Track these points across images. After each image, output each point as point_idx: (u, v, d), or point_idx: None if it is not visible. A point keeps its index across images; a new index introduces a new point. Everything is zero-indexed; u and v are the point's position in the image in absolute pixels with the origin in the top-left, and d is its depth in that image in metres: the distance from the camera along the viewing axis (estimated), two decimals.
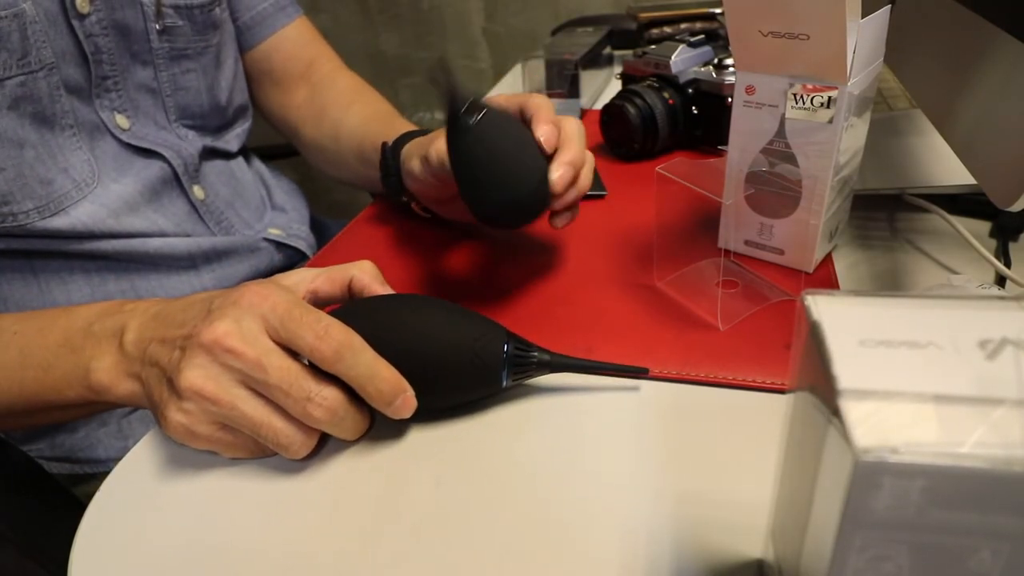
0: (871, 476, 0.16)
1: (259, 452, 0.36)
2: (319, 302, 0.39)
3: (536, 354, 0.37)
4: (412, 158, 0.51)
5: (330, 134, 0.70)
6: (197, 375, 0.33)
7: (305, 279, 0.39)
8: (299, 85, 0.75)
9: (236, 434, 0.35)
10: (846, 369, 0.18)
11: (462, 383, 0.36)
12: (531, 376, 0.38)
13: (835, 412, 0.17)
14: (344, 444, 0.37)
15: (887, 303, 0.21)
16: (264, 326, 0.34)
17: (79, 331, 0.40)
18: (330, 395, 0.33)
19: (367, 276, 0.39)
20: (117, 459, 0.38)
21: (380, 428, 0.38)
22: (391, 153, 0.56)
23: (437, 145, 0.46)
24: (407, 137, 0.56)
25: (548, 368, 0.37)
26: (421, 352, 0.35)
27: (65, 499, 0.52)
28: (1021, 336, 0.19)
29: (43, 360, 0.40)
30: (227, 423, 0.34)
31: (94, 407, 0.42)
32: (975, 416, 0.17)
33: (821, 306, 0.21)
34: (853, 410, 0.17)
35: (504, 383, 0.36)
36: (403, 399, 0.34)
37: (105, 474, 0.37)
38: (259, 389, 0.33)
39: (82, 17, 0.52)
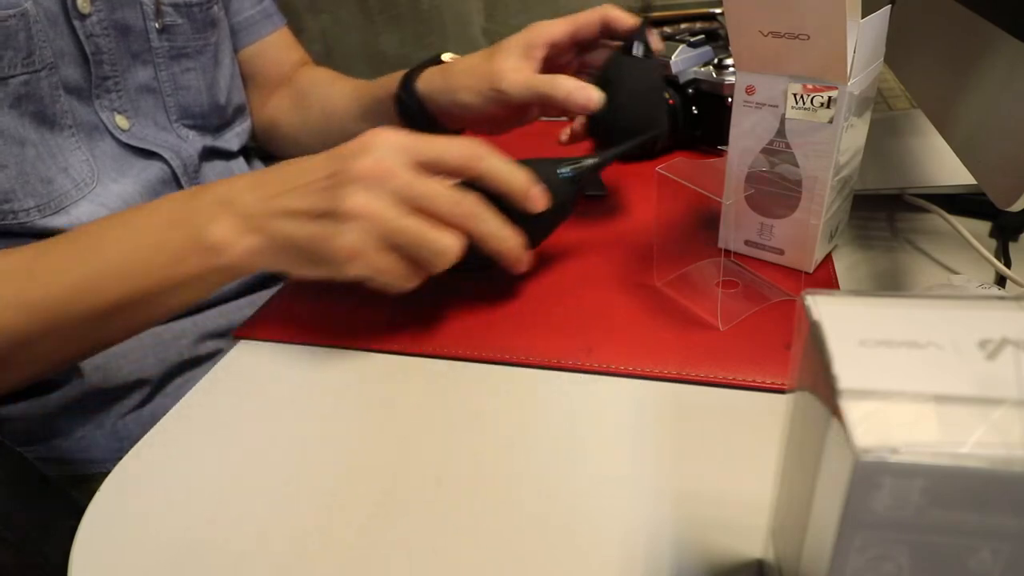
0: (871, 476, 0.16)
1: (412, 278, 0.40)
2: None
3: (585, 163, 0.45)
4: (460, 91, 0.55)
5: (321, 110, 0.72)
6: (360, 198, 0.37)
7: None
8: (279, 86, 0.77)
9: (397, 258, 0.38)
10: (846, 369, 0.18)
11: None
12: (591, 179, 0.46)
13: (835, 412, 0.17)
14: (344, 443, 0.37)
15: (887, 303, 0.21)
16: (408, 158, 0.38)
17: (178, 207, 0.42)
18: (472, 199, 0.39)
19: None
20: (113, 461, 0.38)
21: (380, 428, 0.38)
22: (405, 92, 0.59)
23: (506, 79, 0.52)
24: (413, 74, 0.60)
25: (599, 166, 0.45)
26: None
27: (63, 500, 0.52)
28: (1021, 336, 0.19)
29: (146, 241, 0.42)
30: (393, 241, 0.38)
31: (212, 278, 0.42)
32: (975, 416, 0.17)
33: (821, 306, 0.21)
34: (853, 410, 0.17)
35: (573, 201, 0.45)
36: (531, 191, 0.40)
37: (101, 475, 0.37)
38: (418, 208, 0.38)
39: (83, 17, 0.52)
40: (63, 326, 0.42)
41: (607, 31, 0.56)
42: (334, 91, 0.71)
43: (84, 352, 0.47)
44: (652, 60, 0.53)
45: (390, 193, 0.37)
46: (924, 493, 0.16)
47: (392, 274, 0.39)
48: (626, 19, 0.55)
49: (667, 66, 0.59)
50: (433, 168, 0.39)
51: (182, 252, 0.41)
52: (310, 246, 0.38)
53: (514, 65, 0.53)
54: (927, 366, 0.18)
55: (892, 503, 0.17)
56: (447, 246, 0.38)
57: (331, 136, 0.71)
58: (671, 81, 0.64)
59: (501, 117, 0.56)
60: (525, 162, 0.43)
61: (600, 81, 0.51)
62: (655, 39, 0.54)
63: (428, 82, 0.58)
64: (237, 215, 0.40)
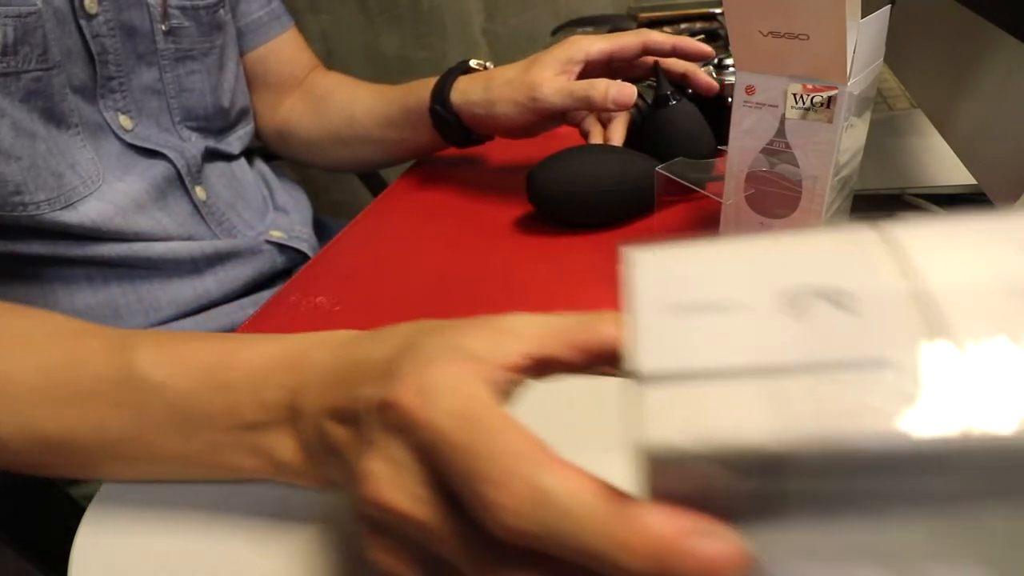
0: (666, 463, 0.16)
1: None
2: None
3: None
4: (499, 103, 0.58)
5: (341, 116, 0.72)
6: (369, 538, 0.23)
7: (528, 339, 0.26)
8: (291, 88, 0.77)
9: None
10: (646, 346, 0.17)
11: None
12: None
13: (634, 395, 0.16)
14: None
15: (705, 256, 0.20)
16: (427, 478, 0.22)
17: (254, 405, 0.29)
18: None
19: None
20: None
21: None
22: (441, 105, 0.61)
23: (544, 88, 0.55)
24: (446, 85, 0.61)
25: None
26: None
27: (61, 499, 0.52)
28: (838, 285, 0.18)
29: (209, 437, 0.30)
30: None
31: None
32: (766, 392, 0.16)
33: (637, 265, 0.19)
34: (649, 394, 0.16)
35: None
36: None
37: None
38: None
39: (90, 17, 0.52)
40: (97, 469, 0.34)
41: (646, 54, 0.58)
42: (356, 97, 0.71)
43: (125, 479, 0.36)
44: (690, 103, 0.56)
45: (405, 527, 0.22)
46: (720, 476, 0.16)
47: None
48: (665, 42, 0.57)
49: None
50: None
51: (246, 460, 0.30)
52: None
53: (551, 76, 0.55)
54: (732, 335, 0.17)
55: (694, 487, 0.16)
56: None
57: (352, 142, 0.73)
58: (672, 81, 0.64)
59: (533, 123, 0.58)
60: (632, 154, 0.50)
61: (649, 120, 0.57)
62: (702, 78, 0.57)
63: (464, 94, 0.60)
64: (297, 434, 0.28)
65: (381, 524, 0.23)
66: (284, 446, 0.29)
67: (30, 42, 0.48)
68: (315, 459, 0.27)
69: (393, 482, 0.22)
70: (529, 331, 0.26)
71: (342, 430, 0.25)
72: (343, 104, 0.72)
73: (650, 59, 0.59)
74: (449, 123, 0.62)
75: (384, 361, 0.25)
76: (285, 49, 0.76)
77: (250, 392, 0.29)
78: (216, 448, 0.30)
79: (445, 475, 0.21)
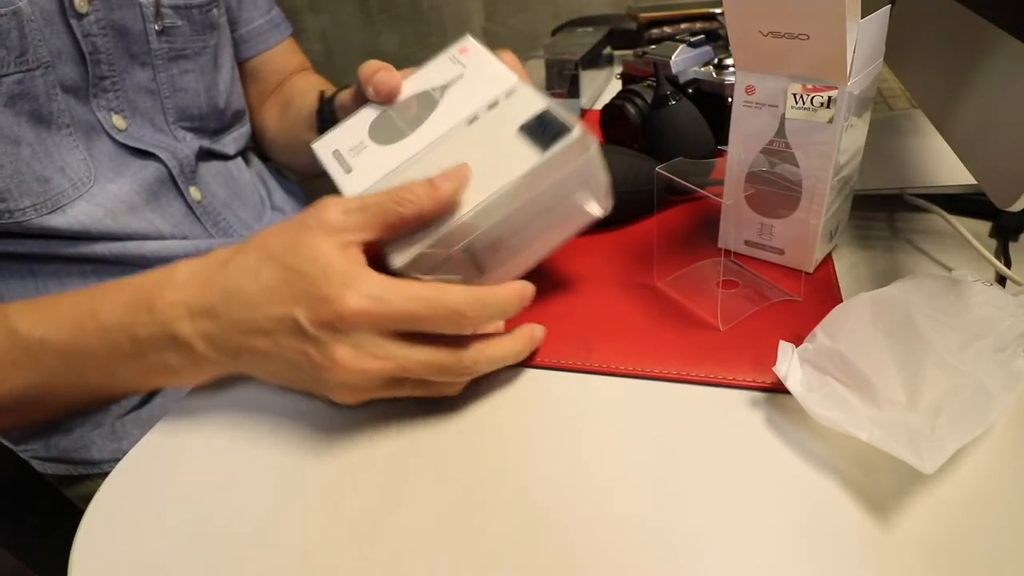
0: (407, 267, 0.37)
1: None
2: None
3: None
4: (345, 93, 0.59)
5: (298, 119, 0.73)
6: (347, 395, 0.36)
7: (349, 229, 0.35)
8: (276, 91, 0.78)
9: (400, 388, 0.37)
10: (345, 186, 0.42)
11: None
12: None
13: None
14: (343, 443, 0.37)
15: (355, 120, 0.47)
16: (387, 336, 0.34)
17: (124, 339, 0.37)
18: (475, 359, 0.36)
19: (424, 201, 0.36)
20: (111, 460, 0.38)
21: (380, 428, 0.37)
22: (327, 101, 0.63)
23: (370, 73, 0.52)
24: (342, 89, 0.62)
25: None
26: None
27: (59, 501, 0.52)
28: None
29: (100, 367, 0.39)
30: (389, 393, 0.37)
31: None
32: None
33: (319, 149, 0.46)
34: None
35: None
36: (526, 300, 0.38)
37: (99, 475, 0.37)
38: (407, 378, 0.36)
39: (80, 16, 0.52)
40: (18, 416, 0.43)
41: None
42: (305, 101, 0.72)
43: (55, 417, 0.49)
44: (689, 104, 0.56)
45: (380, 379, 0.35)
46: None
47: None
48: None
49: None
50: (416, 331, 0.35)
51: (140, 378, 0.40)
52: (302, 383, 0.37)
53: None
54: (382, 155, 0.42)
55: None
56: (447, 393, 0.37)
57: (294, 144, 0.73)
58: (672, 81, 0.64)
59: None
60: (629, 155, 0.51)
61: (649, 120, 0.57)
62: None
63: (342, 92, 0.61)
64: (192, 354, 0.37)
65: (356, 384, 0.35)
66: (171, 360, 0.37)
67: (5, 45, 0.47)
68: (209, 361, 0.37)
69: (360, 356, 0.33)
70: (357, 221, 0.35)
71: (263, 340, 0.35)
72: (300, 107, 0.73)
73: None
74: (323, 113, 0.62)
75: (275, 287, 0.34)
76: (281, 56, 0.77)
77: (122, 332, 0.37)
78: (111, 377, 0.39)
79: (398, 327, 0.34)
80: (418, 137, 0.42)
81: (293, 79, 0.78)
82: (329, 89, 0.69)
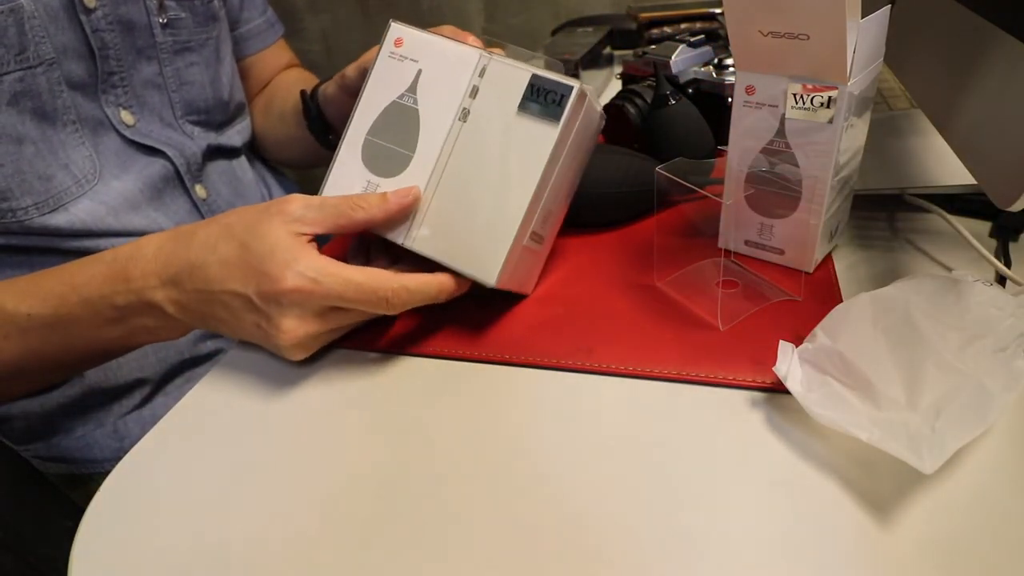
0: None
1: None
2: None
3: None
4: (329, 86, 0.60)
5: (278, 113, 0.74)
6: (299, 353, 0.41)
7: (307, 222, 0.40)
8: (263, 89, 0.80)
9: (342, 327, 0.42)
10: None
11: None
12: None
13: None
14: (343, 444, 0.37)
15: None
16: (325, 309, 0.39)
17: (105, 307, 0.42)
18: (402, 284, 0.40)
19: (376, 214, 0.41)
20: (113, 460, 0.38)
21: (380, 428, 0.38)
22: (311, 97, 0.63)
23: (352, 65, 0.55)
24: (322, 83, 0.63)
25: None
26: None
27: (60, 501, 0.52)
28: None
29: (84, 334, 0.43)
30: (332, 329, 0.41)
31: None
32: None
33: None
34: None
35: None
36: (448, 291, 0.41)
37: (100, 475, 0.37)
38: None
39: (89, 12, 0.52)
40: (14, 385, 0.48)
41: None
42: (290, 96, 0.72)
43: (50, 383, 0.53)
44: (689, 104, 0.56)
45: (323, 332, 0.40)
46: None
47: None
48: None
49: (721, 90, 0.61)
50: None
51: (125, 339, 0.44)
52: (255, 336, 0.41)
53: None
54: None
55: None
56: (382, 313, 0.41)
57: (284, 139, 0.74)
58: (672, 81, 0.64)
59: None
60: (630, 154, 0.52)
61: (649, 120, 0.57)
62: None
63: (327, 83, 0.62)
64: (165, 314, 0.41)
65: (303, 343, 0.40)
66: (149, 323, 0.42)
67: (3, 43, 0.47)
68: (182, 322, 0.42)
69: (303, 324, 0.39)
70: (313, 217, 0.40)
71: (222, 311, 0.40)
72: (281, 101, 0.74)
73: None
74: (310, 110, 0.63)
75: (231, 262, 0.39)
76: (273, 56, 0.78)
77: (102, 301, 0.42)
78: (97, 340, 0.44)
79: (329, 304, 0.39)
80: (424, 153, 0.42)
81: (280, 75, 0.80)
82: (307, 84, 0.69)
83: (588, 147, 0.46)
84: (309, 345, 0.41)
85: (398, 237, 0.43)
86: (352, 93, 0.55)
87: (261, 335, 0.40)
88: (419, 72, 0.43)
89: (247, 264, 0.39)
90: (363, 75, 0.51)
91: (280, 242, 0.38)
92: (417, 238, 0.42)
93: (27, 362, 0.45)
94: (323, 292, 0.38)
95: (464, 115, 0.41)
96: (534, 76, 0.40)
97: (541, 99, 0.40)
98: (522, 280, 0.45)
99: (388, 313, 0.40)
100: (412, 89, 0.43)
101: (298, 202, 0.40)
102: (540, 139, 0.39)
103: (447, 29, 0.48)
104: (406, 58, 0.44)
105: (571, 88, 0.39)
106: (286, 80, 0.78)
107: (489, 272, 0.40)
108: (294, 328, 0.39)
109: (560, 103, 0.39)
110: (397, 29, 0.45)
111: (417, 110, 0.43)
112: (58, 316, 0.43)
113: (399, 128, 0.43)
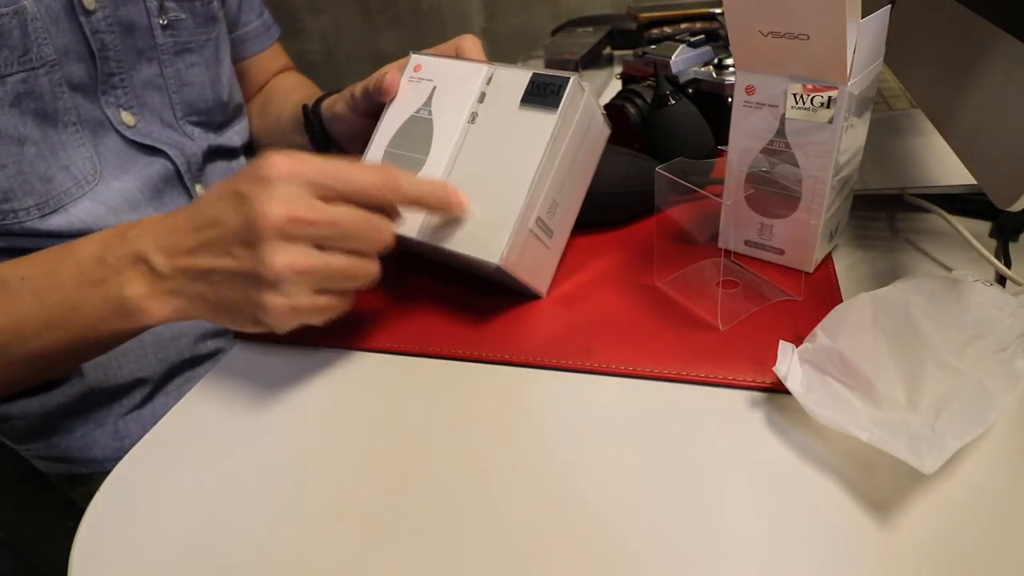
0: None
1: (348, 304, 0.40)
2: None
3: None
4: (337, 103, 0.58)
5: (273, 118, 0.74)
6: (284, 257, 0.35)
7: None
8: (258, 92, 0.80)
9: (329, 295, 0.38)
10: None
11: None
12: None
13: None
14: (343, 444, 0.37)
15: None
16: (315, 192, 0.36)
17: (92, 264, 0.40)
18: (385, 223, 0.39)
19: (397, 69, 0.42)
20: (113, 459, 0.38)
21: (380, 428, 0.38)
22: (312, 111, 0.62)
23: (361, 84, 0.53)
24: (324, 97, 0.63)
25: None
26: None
27: (60, 501, 0.52)
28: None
29: (65, 299, 0.40)
30: (322, 286, 0.37)
31: (137, 332, 0.42)
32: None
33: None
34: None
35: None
36: (450, 193, 0.40)
37: (101, 475, 0.37)
38: (336, 244, 0.37)
39: (89, 13, 0.52)
40: None
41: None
42: (288, 100, 0.72)
43: (30, 380, 0.48)
44: (689, 104, 0.56)
45: (308, 240, 0.36)
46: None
47: (325, 311, 0.38)
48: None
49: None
50: (342, 198, 0.37)
51: (101, 313, 0.39)
52: (241, 308, 0.37)
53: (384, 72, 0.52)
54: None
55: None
56: (371, 271, 0.39)
57: (277, 145, 0.73)
58: (672, 81, 0.64)
59: (358, 123, 0.56)
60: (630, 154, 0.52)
61: (649, 120, 0.57)
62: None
63: (333, 98, 0.61)
64: (152, 276, 0.38)
65: (288, 234, 0.35)
66: (129, 285, 0.38)
67: (7, 44, 0.47)
68: (167, 281, 0.38)
69: (290, 204, 0.35)
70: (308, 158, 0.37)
71: (215, 254, 0.36)
72: (277, 106, 0.74)
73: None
74: (312, 126, 0.62)
75: (221, 190, 0.37)
76: (269, 58, 0.79)
77: (91, 259, 0.40)
78: (72, 310, 0.40)
79: (320, 184, 0.36)
80: (436, 156, 0.44)
81: (276, 79, 0.80)
82: (307, 95, 0.69)
83: (594, 149, 0.47)
84: (304, 299, 0.36)
85: (409, 231, 0.44)
86: (361, 113, 0.54)
87: (244, 254, 0.36)
88: (434, 89, 0.47)
89: (237, 174, 0.37)
90: (370, 98, 0.51)
91: (271, 154, 0.37)
92: (426, 229, 0.43)
93: (4, 337, 0.41)
94: (313, 166, 0.36)
95: (473, 118, 0.44)
96: (535, 74, 0.43)
97: (542, 92, 0.42)
98: (533, 272, 0.45)
99: (388, 194, 0.38)
100: (427, 103, 0.46)
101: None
102: (540, 126, 0.42)
103: (468, 42, 0.48)
104: (423, 79, 0.47)
105: (568, 79, 0.42)
106: (282, 85, 0.78)
107: (493, 251, 0.41)
108: (281, 209, 0.35)
109: (559, 92, 0.42)
110: (416, 59, 0.49)
111: (431, 120, 0.46)
112: (47, 279, 0.40)
113: (415, 138, 0.46)
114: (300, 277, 0.35)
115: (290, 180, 0.35)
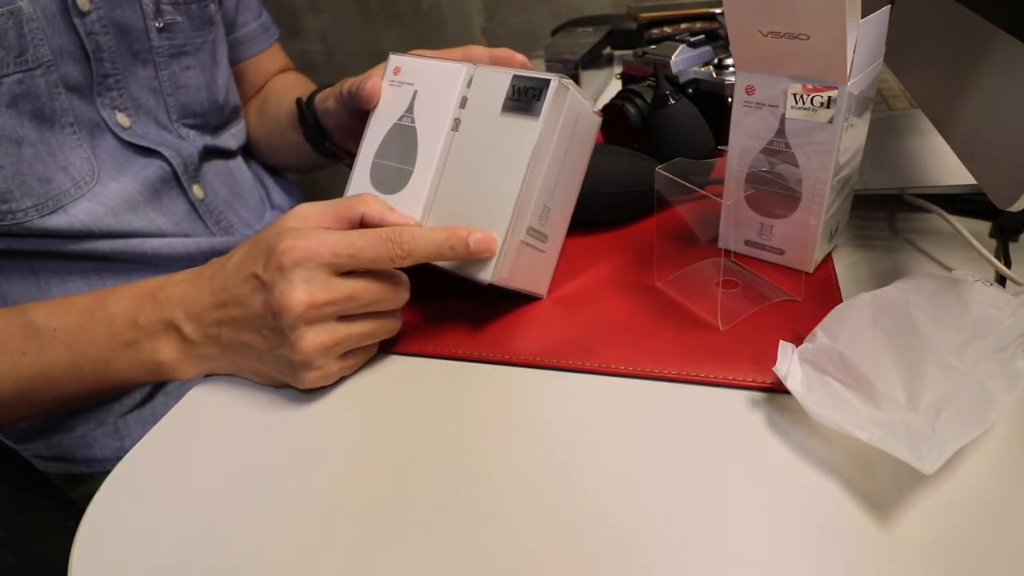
0: None
1: (373, 351, 0.43)
2: None
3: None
4: (327, 99, 0.59)
5: (271, 117, 0.73)
6: (311, 339, 0.37)
7: (309, 217, 0.40)
8: (257, 92, 0.80)
9: (356, 353, 0.41)
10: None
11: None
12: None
13: None
14: (344, 444, 0.37)
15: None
16: (330, 271, 0.38)
17: (125, 325, 0.42)
18: (402, 281, 0.41)
19: (376, 209, 0.41)
20: (113, 459, 0.38)
21: (380, 428, 0.38)
22: (306, 105, 0.62)
23: (350, 81, 0.52)
24: (318, 91, 0.62)
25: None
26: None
27: (60, 501, 0.52)
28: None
29: (99, 356, 0.42)
30: (349, 350, 0.40)
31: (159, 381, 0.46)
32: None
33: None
34: None
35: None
36: (458, 238, 0.40)
37: (101, 474, 0.37)
38: (358, 311, 0.39)
39: (83, 15, 0.52)
40: (15, 409, 0.45)
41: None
42: (286, 98, 0.72)
43: (49, 414, 0.53)
44: (689, 104, 0.56)
45: (331, 317, 0.38)
46: None
47: (355, 366, 0.42)
48: (482, 54, 0.52)
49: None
50: (357, 268, 0.39)
51: (136, 372, 0.43)
52: (274, 376, 0.40)
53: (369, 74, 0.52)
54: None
55: None
56: (394, 328, 0.42)
57: (279, 144, 0.74)
58: (672, 81, 0.64)
59: (352, 120, 0.56)
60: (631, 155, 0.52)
61: (649, 120, 0.56)
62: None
63: (326, 91, 0.61)
64: (184, 343, 0.41)
65: (313, 326, 0.37)
66: (163, 349, 0.42)
67: (3, 45, 0.47)
68: (199, 348, 0.41)
69: (311, 290, 0.37)
70: (314, 214, 0.40)
71: (236, 309, 0.39)
72: (275, 105, 0.74)
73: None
74: (306, 119, 0.62)
75: (243, 258, 0.40)
76: (268, 59, 0.78)
77: (124, 319, 0.42)
78: (105, 366, 0.42)
79: (336, 260, 0.38)
80: (422, 167, 0.44)
81: (274, 79, 0.80)
82: (302, 91, 0.69)
83: (584, 144, 0.46)
84: (333, 368, 0.39)
85: None
86: (348, 109, 0.54)
87: (271, 329, 0.38)
88: (415, 93, 0.45)
89: (257, 250, 0.39)
90: (354, 99, 0.50)
91: (287, 222, 0.39)
92: None
93: (32, 386, 0.43)
94: (328, 248, 0.37)
95: (456, 125, 0.43)
96: (515, 76, 0.42)
97: (523, 97, 0.41)
98: (530, 279, 0.45)
99: (400, 262, 0.39)
100: (410, 110, 0.45)
101: (303, 205, 0.41)
102: (524, 134, 0.40)
103: (475, 51, 0.49)
104: (403, 83, 0.46)
105: (548, 82, 0.40)
106: (281, 84, 0.78)
107: (485, 268, 0.40)
108: (302, 295, 0.37)
109: (539, 97, 0.40)
110: (395, 60, 0.47)
111: (415, 128, 0.45)
112: (79, 333, 0.43)
113: (400, 147, 0.45)
114: (328, 352, 0.38)
115: (306, 264, 0.37)
